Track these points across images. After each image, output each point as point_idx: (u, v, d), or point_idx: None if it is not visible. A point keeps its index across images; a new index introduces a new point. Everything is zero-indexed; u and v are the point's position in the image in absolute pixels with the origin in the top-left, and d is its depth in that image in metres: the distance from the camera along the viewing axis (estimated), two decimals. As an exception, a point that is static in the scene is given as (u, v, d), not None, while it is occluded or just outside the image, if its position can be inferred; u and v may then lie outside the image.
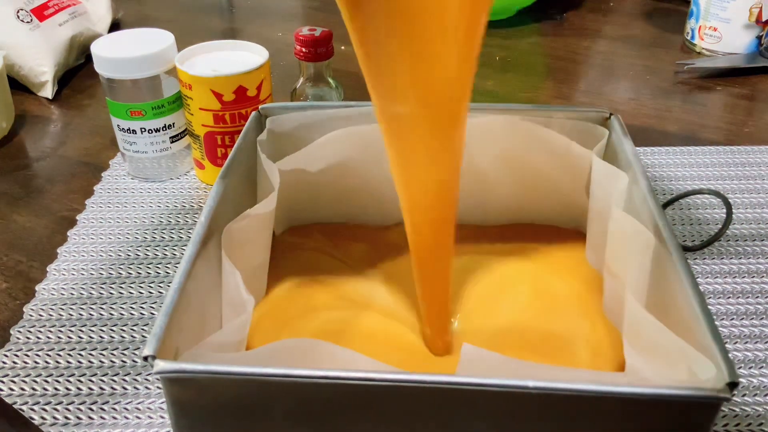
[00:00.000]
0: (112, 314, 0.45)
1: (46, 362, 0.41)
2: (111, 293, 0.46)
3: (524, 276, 0.43)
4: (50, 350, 0.42)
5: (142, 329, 0.44)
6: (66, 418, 0.38)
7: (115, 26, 0.87)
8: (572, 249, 0.44)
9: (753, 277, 0.47)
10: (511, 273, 0.43)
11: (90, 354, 0.42)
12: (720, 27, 0.78)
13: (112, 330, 0.44)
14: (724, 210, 0.53)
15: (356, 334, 0.39)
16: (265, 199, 0.38)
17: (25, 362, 0.41)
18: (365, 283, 0.43)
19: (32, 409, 0.39)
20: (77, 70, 0.78)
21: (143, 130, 0.55)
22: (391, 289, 0.42)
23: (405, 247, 0.44)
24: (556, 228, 0.46)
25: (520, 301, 0.41)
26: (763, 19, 0.76)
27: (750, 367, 0.41)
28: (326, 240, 0.46)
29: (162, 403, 0.39)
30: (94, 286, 0.47)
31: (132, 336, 0.43)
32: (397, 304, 0.41)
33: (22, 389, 0.40)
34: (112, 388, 0.40)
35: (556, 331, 0.39)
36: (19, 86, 0.73)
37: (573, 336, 0.38)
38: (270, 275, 0.42)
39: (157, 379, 0.40)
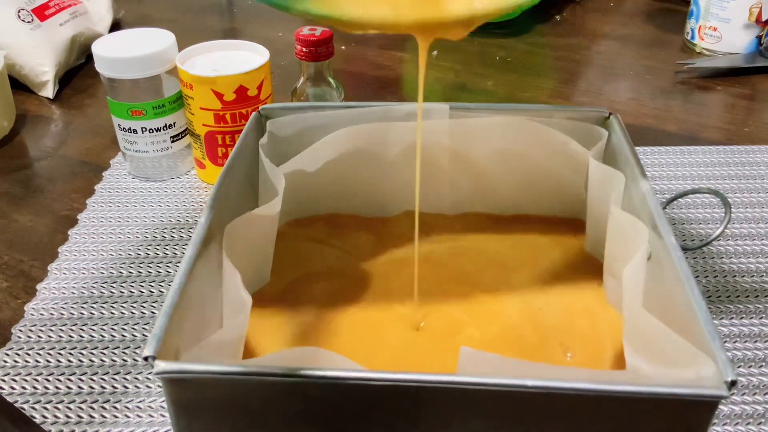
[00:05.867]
0: (113, 313, 0.45)
1: (47, 361, 0.42)
2: (112, 292, 0.46)
3: (525, 263, 0.43)
4: (51, 349, 0.42)
5: (143, 328, 0.44)
6: (67, 416, 0.38)
7: (115, 26, 0.87)
8: (572, 237, 0.45)
9: (752, 276, 0.47)
10: (513, 260, 0.44)
11: (91, 353, 0.42)
12: (720, 27, 0.78)
13: (113, 329, 0.44)
14: (723, 209, 0.53)
15: (356, 325, 0.39)
16: (269, 202, 0.39)
17: (26, 361, 0.42)
18: (366, 273, 0.43)
19: (33, 408, 0.39)
20: (78, 70, 0.78)
21: (144, 129, 0.55)
22: (392, 278, 0.42)
23: (406, 237, 0.45)
24: (557, 218, 0.47)
25: (522, 287, 0.41)
26: (763, 19, 0.76)
27: (749, 366, 0.41)
28: (328, 230, 0.46)
29: (162, 402, 0.39)
30: (95, 285, 0.47)
31: (133, 335, 0.43)
32: (397, 295, 0.41)
33: (24, 388, 0.40)
34: (113, 386, 0.40)
35: (558, 317, 0.39)
36: (20, 86, 0.73)
37: (574, 321, 0.39)
38: (272, 265, 0.42)
39: (158, 379, 0.40)
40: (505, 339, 0.38)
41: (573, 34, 0.87)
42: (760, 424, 0.38)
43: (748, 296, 0.46)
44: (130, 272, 0.48)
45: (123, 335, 0.43)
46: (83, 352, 0.42)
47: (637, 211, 0.37)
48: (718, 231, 0.44)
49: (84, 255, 0.50)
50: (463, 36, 0.31)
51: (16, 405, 0.39)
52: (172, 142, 0.57)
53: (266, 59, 0.53)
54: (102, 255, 0.50)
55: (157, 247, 0.51)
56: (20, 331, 0.44)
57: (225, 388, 0.28)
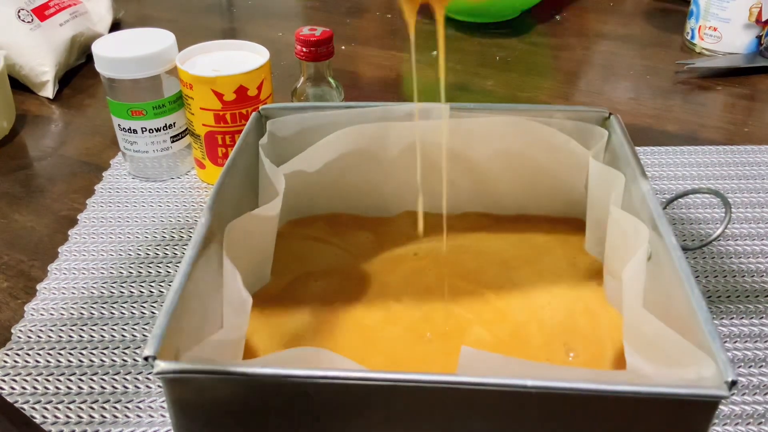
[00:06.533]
0: (113, 313, 0.45)
1: (47, 361, 0.42)
2: (112, 292, 0.46)
3: (526, 262, 0.43)
4: (51, 349, 0.42)
5: (143, 328, 0.44)
6: (67, 416, 0.38)
7: (115, 26, 0.87)
8: (572, 237, 0.45)
9: (752, 276, 0.47)
10: (514, 259, 0.44)
11: (91, 353, 0.42)
12: (720, 27, 0.78)
13: (113, 329, 0.44)
14: (724, 209, 0.53)
15: (357, 325, 0.39)
16: (270, 203, 0.39)
17: (26, 361, 0.42)
18: (367, 272, 0.43)
19: (33, 408, 0.39)
20: (78, 70, 0.78)
21: (144, 129, 0.55)
22: (393, 277, 0.42)
23: (406, 236, 0.45)
24: (557, 217, 0.47)
25: (524, 285, 0.41)
26: (763, 19, 0.76)
27: (750, 366, 0.41)
28: (328, 229, 0.46)
29: (162, 402, 0.39)
30: (95, 286, 0.47)
31: (133, 335, 0.43)
32: (399, 294, 0.41)
33: (24, 388, 0.40)
34: (113, 387, 0.40)
35: (560, 316, 0.39)
36: (20, 86, 0.73)
37: (576, 321, 0.39)
38: (272, 265, 0.42)
39: (158, 379, 0.40)
40: (514, 338, 0.38)
41: (573, 34, 0.87)
42: (760, 424, 0.38)
43: (748, 296, 0.46)
44: (130, 272, 0.48)
45: (123, 335, 0.43)
46: (83, 352, 0.42)
47: (637, 211, 0.37)
48: (719, 231, 0.44)
49: (84, 255, 0.50)
50: None
51: (16, 405, 0.39)
52: (172, 142, 0.57)
53: (266, 59, 0.53)
54: (102, 255, 0.50)
55: (157, 247, 0.51)
56: (20, 331, 0.44)
57: (225, 388, 0.28)
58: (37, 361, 0.42)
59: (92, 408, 0.39)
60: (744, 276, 0.47)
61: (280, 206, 0.40)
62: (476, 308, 0.40)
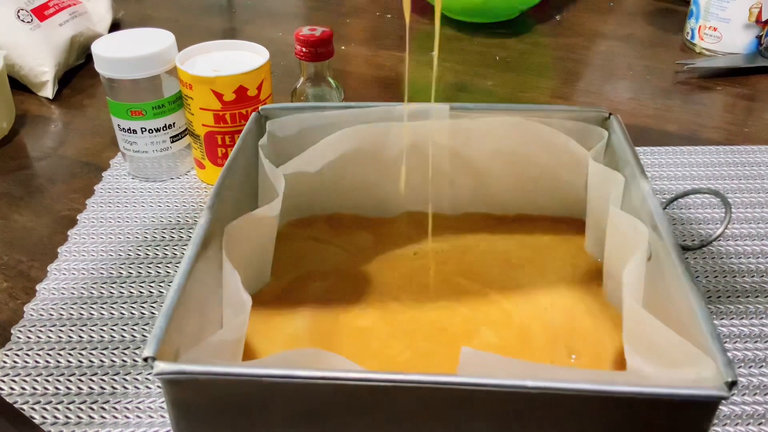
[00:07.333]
0: (112, 314, 0.45)
1: (47, 362, 0.42)
2: (111, 292, 0.46)
3: (529, 261, 0.43)
4: (51, 350, 0.42)
5: (143, 329, 0.44)
6: (66, 417, 0.38)
7: (115, 26, 0.87)
8: (573, 237, 0.45)
9: (752, 276, 0.47)
10: (517, 259, 0.44)
11: (90, 353, 0.42)
12: (720, 27, 0.78)
13: (112, 329, 0.44)
14: (724, 209, 0.53)
15: (357, 325, 0.39)
16: (270, 203, 0.39)
17: (26, 362, 0.42)
18: (367, 272, 0.43)
19: (33, 409, 0.39)
20: (77, 70, 0.78)
21: (144, 129, 0.55)
22: (393, 277, 0.42)
23: (406, 236, 0.45)
24: (558, 217, 0.47)
25: (528, 285, 0.41)
26: (763, 19, 0.76)
27: (750, 367, 0.41)
28: (328, 229, 0.46)
29: (162, 402, 0.39)
30: (94, 286, 0.47)
31: (132, 335, 0.43)
32: (399, 294, 0.41)
33: (23, 389, 0.40)
34: (113, 387, 0.40)
35: (562, 317, 0.39)
36: (19, 86, 0.73)
37: (577, 322, 0.39)
38: (272, 265, 0.42)
39: (158, 379, 0.40)
40: (519, 340, 0.38)
41: (573, 34, 0.87)
42: (760, 424, 0.37)
43: (748, 296, 0.46)
44: (130, 272, 0.48)
45: (123, 336, 0.43)
46: (83, 352, 0.42)
47: (637, 211, 0.37)
48: (719, 231, 0.44)
49: (83, 255, 0.50)
50: None
51: (16, 405, 0.39)
52: (172, 142, 0.57)
53: (266, 59, 0.53)
54: (101, 255, 0.50)
55: (157, 247, 0.51)
56: (20, 331, 0.44)
57: (225, 388, 0.28)
58: (37, 362, 0.42)
59: (92, 408, 0.39)
60: (744, 276, 0.47)
61: (280, 207, 0.40)
62: (482, 308, 0.40)
